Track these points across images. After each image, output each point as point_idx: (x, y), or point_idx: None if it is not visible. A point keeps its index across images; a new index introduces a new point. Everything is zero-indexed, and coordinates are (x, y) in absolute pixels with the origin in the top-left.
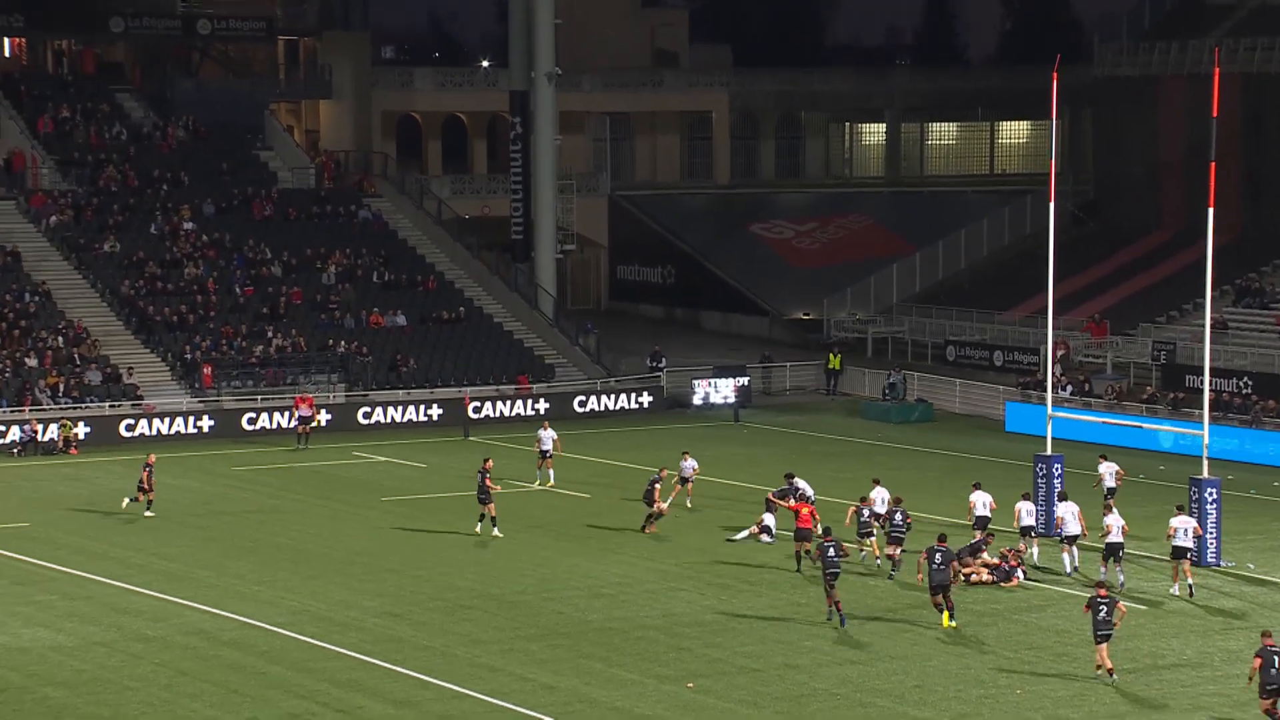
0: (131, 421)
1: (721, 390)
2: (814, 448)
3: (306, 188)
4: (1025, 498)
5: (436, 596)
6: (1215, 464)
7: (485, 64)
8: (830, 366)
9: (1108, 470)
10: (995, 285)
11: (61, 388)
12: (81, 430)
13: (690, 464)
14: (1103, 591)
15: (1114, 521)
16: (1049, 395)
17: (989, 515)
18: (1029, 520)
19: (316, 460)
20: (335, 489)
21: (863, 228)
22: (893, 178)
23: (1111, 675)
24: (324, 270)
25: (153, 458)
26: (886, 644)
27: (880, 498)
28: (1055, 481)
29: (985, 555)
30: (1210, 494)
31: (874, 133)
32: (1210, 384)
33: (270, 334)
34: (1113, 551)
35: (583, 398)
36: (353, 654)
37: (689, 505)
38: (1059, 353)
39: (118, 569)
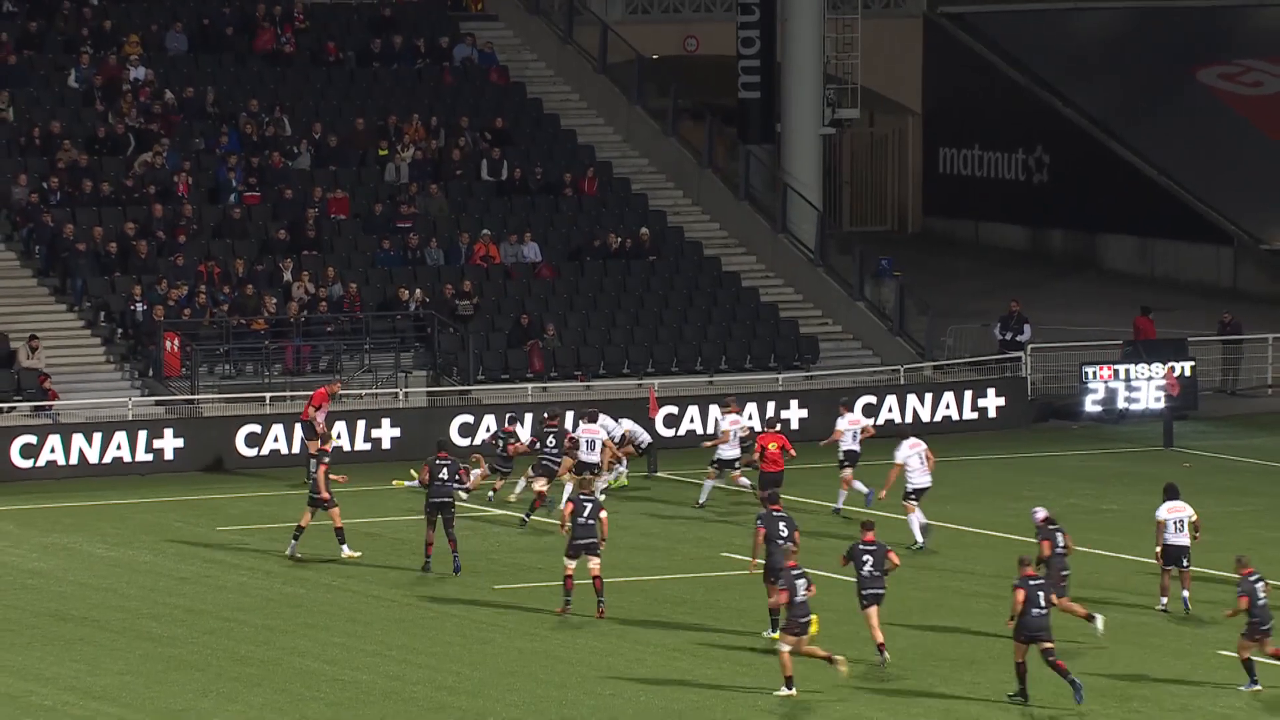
0: (33, 439)
1: (1140, 387)
2: None
3: (357, 1)
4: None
5: None
6: None
7: None
8: None
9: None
10: None
11: None
12: None
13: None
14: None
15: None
16: None
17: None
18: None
19: (358, 515)
20: (405, 565)
21: None
22: None
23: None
24: (391, 158)
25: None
26: None
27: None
28: None
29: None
30: None
31: None
32: None
33: (289, 276)
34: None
35: (873, 399)
36: None
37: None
38: None
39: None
